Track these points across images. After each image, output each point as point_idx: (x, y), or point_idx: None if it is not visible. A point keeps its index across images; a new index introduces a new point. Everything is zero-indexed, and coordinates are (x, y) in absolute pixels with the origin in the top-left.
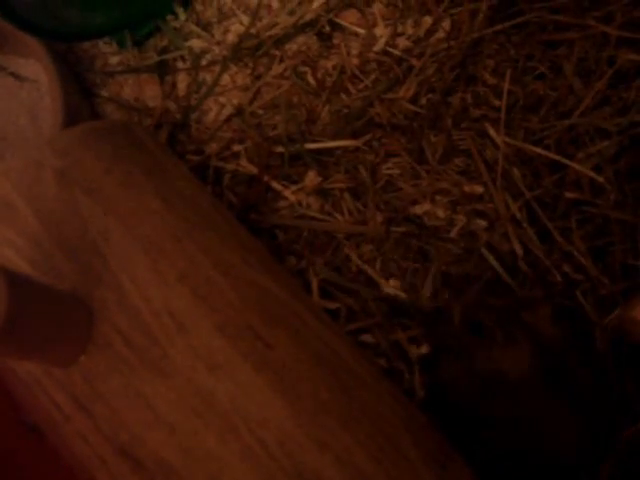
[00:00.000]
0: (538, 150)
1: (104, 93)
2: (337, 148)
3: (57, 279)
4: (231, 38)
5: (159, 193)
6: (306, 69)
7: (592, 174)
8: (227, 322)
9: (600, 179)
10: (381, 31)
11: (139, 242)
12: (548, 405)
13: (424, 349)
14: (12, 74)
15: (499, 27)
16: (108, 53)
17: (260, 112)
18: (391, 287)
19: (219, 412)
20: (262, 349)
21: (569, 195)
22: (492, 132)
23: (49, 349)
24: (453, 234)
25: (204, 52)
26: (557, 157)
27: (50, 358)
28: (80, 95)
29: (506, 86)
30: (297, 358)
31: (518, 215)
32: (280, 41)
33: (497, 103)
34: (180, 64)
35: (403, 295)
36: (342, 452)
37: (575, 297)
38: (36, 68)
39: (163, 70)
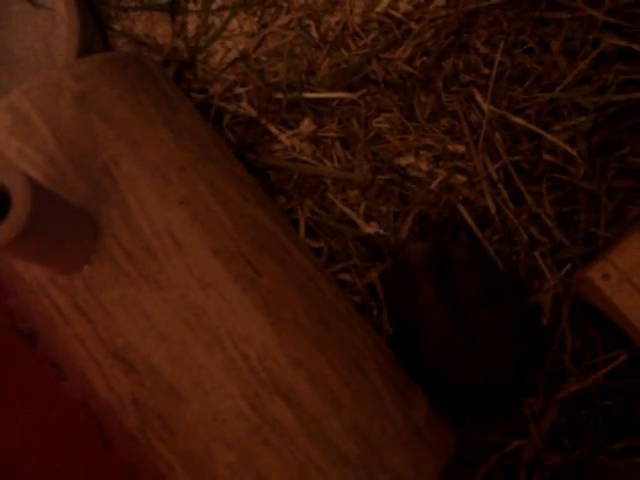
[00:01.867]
0: (519, 120)
1: (117, 27)
2: (333, 99)
3: (69, 194)
4: None
5: (167, 124)
6: (310, 22)
7: (565, 146)
8: (221, 247)
9: (572, 151)
10: None
11: (146, 167)
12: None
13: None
14: (30, 1)
15: (495, 1)
16: None
17: (264, 59)
18: (371, 228)
19: (208, 326)
20: (251, 274)
21: (546, 157)
22: (479, 98)
23: (57, 254)
24: (433, 186)
25: None
26: (535, 128)
27: (57, 263)
28: (94, 27)
29: (497, 57)
30: (282, 285)
31: (494, 176)
32: None
33: (486, 71)
34: (191, 6)
35: (381, 232)
36: (315, 371)
37: (533, 257)
38: None
39: (175, 10)
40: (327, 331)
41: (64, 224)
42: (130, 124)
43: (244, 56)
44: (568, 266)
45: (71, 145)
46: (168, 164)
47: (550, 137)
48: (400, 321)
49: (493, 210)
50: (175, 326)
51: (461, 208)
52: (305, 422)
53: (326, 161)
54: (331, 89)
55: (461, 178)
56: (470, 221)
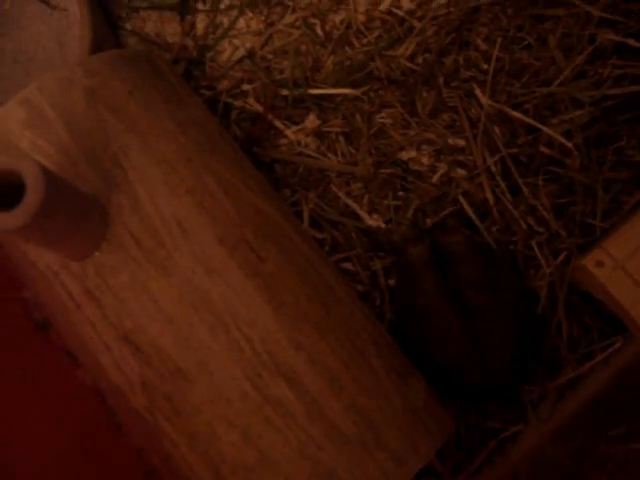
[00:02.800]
0: (517, 114)
1: (128, 26)
2: (337, 95)
3: (81, 183)
4: None
5: (175, 117)
6: (316, 21)
7: (562, 139)
8: (226, 234)
9: (569, 144)
10: None
11: (155, 158)
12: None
13: (394, 282)
14: (43, 1)
15: None
16: None
17: (270, 56)
18: (373, 220)
19: (212, 309)
20: (255, 260)
21: (543, 150)
22: (478, 93)
23: (69, 240)
24: (434, 180)
25: None
26: (533, 121)
27: (68, 250)
28: (106, 26)
29: (495, 52)
30: (284, 272)
31: (493, 168)
32: None
33: (485, 67)
34: (200, 5)
35: (383, 226)
36: (315, 354)
37: (530, 247)
38: None
39: (184, 10)
40: (328, 315)
41: (76, 211)
42: (139, 117)
43: (251, 54)
44: (563, 255)
45: (82, 137)
46: (175, 155)
47: (547, 130)
48: (404, 317)
49: (492, 202)
50: (181, 309)
51: (462, 200)
52: (305, 402)
53: (330, 155)
54: (335, 85)
55: (461, 172)
56: (470, 212)
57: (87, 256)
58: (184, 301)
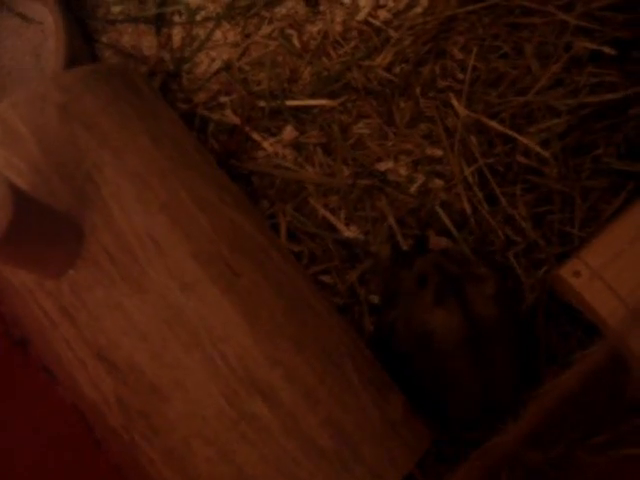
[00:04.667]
0: (494, 123)
1: (104, 39)
2: (315, 106)
3: (54, 201)
4: None
5: (149, 133)
6: (292, 32)
7: (538, 149)
8: (200, 249)
9: (546, 153)
10: (364, 2)
11: (128, 174)
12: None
13: (375, 299)
14: (19, 15)
15: (471, 7)
16: (110, 2)
17: (247, 68)
18: (351, 232)
19: (187, 326)
20: (230, 275)
21: (520, 159)
22: (455, 102)
23: (42, 260)
24: (412, 190)
25: (200, 8)
26: (509, 131)
27: (42, 269)
28: (82, 40)
29: (471, 62)
30: (260, 286)
31: (470, 178)
32: (271, 4)
33: (462, 77)
34: (177, 18)
35: (361, 237)
36: (291, 369)
37: (508, 257)
38: (42, 11)
39: (160, 22)
40: (304, 329)
41: (49, 230)
42: (113, 133)
43: (228, 66)
44: (543, 266)
45: (56, 154)
46: (149, 171)
47: (523, 139)
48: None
49: (469, 212)
50: (155, 326)
51: (439, 211)
52: (281, 417)
53: (308, 167)
54: (313, 96)
55: (439, 182)
56: (448, 223)
57: (61, 274)
58: (158, 318)
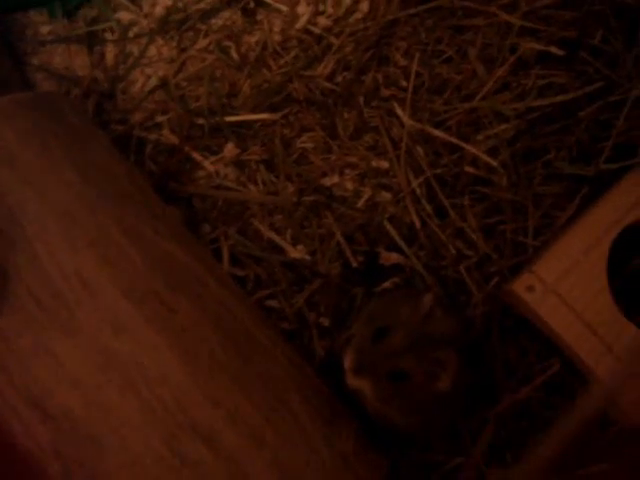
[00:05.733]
0: (439, 132)
1: (35, 61)
2: (256, 121)
3: None
4: (159, 11)
5: (76, 165)
6: (230, 44)
7: (486, 158)
8: (133, 287)
9: (494, 162)
10: (303, 9)
11: (54, 211)
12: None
13: (326, 321)
14: None
15: (413, 10)
16: (39, 22)
17: (184, 84)
18: (297, 252)
19: (121, 369)
20: (165, 313)
21: (468, 169)
22: (399, 111)
23: None
24: (360, 205)
25: (132, 24)
26: (456, 140)
27: None
28: (10, 63)
29: (414, 68)
30: (197, 322)
31: (418, 191)
32: (206, 15)
33: (405, 84)
34: (109, 35)
35: (308, 258)
36: (234, 409)
37: (460, 271)
38: None
39: (92, 41)
40: (246, 365)
41: None
42: (35, 168)
43: (164, 83)
44: (495, 279)
45: None
46: (76, 206)
47: (470, 148)
48: None
49: (418, 225)
50: (88, 371)
51: (387, 226)
52: (225, 462)
53: (251, 186)
54: (253, 110)
55: (386, 195)
56: (397, 238)
57: None
58: (91, 362)
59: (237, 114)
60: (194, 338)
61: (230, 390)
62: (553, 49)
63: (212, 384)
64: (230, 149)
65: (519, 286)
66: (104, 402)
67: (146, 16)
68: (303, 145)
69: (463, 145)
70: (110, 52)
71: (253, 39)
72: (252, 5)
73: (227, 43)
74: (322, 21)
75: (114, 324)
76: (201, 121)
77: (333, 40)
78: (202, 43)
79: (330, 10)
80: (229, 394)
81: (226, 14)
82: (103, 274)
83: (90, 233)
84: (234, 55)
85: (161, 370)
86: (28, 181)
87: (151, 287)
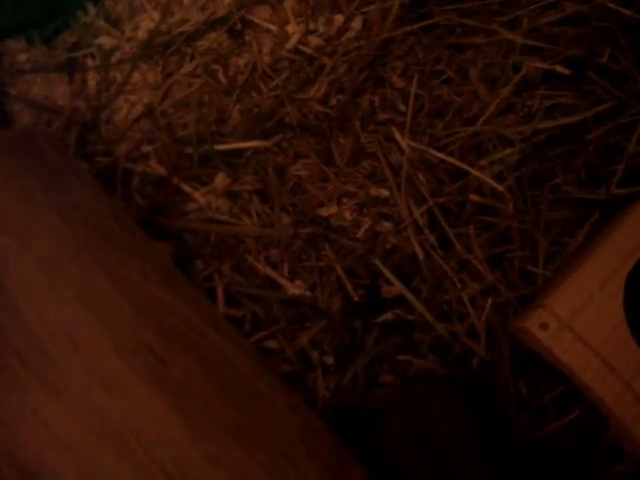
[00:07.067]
0: (441, 156)
1: (13, 92)
2: (247, 149)
3: None
4: (141, 35)
5: (57, 207)
6: (217, 67)
7: (493, 183)
8: (123, 340)
9: (500, 188)
10: (293, 28)
11: (35, 261)
12: None
13: (330, 359)
14: None
15: (409, 28)
16: (16, 50)
17: (170, 111)
18: (296, 288)
19: (114, 431)
20: (157, 367)
21: (473, 198)
22: (398, 136)
23: None
24: (359, 235)
25: (114, 49)
26: (460, 163)
27: None
28: None
29: (412, 91)
30: (192, 375)
31: (420, 220)
32: (191, 38)
33: (403, 107)
34: (90, 62)
35: (308, 294)
36: (235, 467)
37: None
38: None
39: (72, 68)
40: (246, 418)
41: None
42: (15, 213)
43: (150, 110)
44: (505, 312)
45: None
46: (60, 253)
47: (476, 173)
48: None
49: (421, 257)
50: (79, 434)
51: (380, 266)
52: None
53: (244, 218)
54: (244, 138)
55: (387, 225)
56: (393, 279)
57: None
58: (81, 424)
59: (227, 142)
60: (190, 393)
61: (229, 446)
62: (559, 68)
63: (210, 441)
64: (221, 179)
65: (532, 323)
66: (98, 466)
67: (128, 40)
68: (298, 173)
69: (468, 169)
70: (92, 79)
71: (241, 61)
72: (239, 26)
73: (214, 66)
74: (314, 40)
75: (105, 382)
76: (190, 150)
77: (326, 60)
78: (188, 67)
79: (321, 29)
80: (228, 450)
81: (212, 36)
82: (91, 328)
83: (75, 283)
84: (222, 79)
85: (155, 429)
86: (7, 229)
87: (142, 339)
